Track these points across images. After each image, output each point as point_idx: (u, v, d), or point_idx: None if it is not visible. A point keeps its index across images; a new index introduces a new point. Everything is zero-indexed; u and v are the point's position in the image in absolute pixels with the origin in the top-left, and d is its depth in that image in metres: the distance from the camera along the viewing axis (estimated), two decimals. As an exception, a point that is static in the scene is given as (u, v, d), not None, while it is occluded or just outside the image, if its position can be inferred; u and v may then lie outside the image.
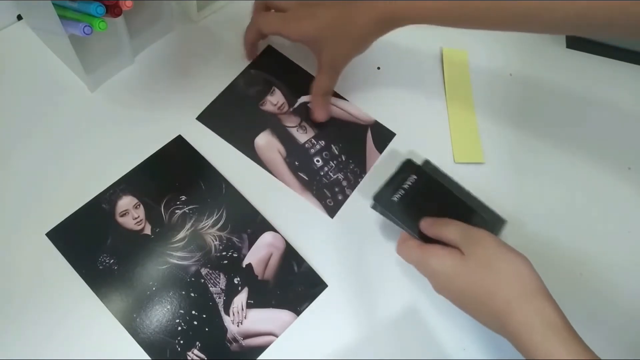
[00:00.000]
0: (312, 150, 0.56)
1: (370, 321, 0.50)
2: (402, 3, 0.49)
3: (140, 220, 0.50)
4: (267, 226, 0.52)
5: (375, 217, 0.53)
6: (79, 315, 0.47)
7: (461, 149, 0.59)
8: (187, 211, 0.51)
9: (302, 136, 0.57)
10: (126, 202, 0.51)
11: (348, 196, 0.55)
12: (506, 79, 0.64)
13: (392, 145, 0.58)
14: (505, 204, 0.56)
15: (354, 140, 0.58)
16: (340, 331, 0.49)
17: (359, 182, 0.55)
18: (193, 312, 0.48)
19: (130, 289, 0.48)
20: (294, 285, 0.50)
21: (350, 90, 0.60)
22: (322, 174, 0.55)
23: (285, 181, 0.55)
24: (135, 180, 0.52)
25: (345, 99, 0.60)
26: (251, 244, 0.51)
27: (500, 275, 0.42)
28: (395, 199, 0.50)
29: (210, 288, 0.49)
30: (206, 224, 0.51)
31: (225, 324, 0.48)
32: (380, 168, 0.56)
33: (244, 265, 0.50)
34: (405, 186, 0.50)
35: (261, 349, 0.47)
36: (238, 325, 0.48)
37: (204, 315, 0.48)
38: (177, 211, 0.51)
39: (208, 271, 0.49)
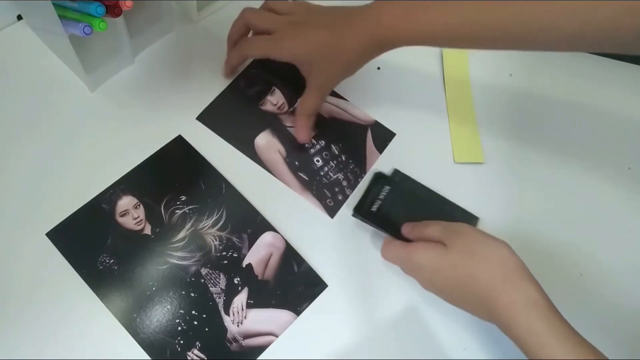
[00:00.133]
0: (312, 150, 0.56)
1: (370, 321, 0.50)
2: (393, 26, 0.47)
3: (140, 220, 0.50)
4: (267, 226, 0.52)
5: (375, 217, 0.53)
6: (79, 315, 0.47)
7: (461, 149, 0.59)
8: (187, 211, 0.51)
9: None
10: (126, 202, 0.51)
11: (348, 196, 0.55)
12: (506, 79, 0.64)
13: (391, 145, 0.58)
14: (505, 204, 0.56)
15: (354, 140, 0.58)
16: (340, 331, 0.49)
17: (359, 182, 0.55)
18: (193, 312, 0.48)
19: (130, 289, 0.48)
20: (294, 285, 0.50)
21: (350, 90, 0.60)
22: (322, 174, 0.55)
23: (285, 181, 0.55)
24: (135, 180, 0.52)
25: (345, 99, 0.60)
26: (251, 244, 0.51)
27: (482, 259, 0.43)
28: (374, 209, 0.52)
29: (210, 288, 0.49)
30: (206, 224, 0.51)
31: (225, 324, 0.48)
32: (380, 168, 0.56)
33: (244, 265, 0.50)
34: (381, 197, 0.52)
35: (261, 349, 0.47)
36: (238, 325, 0.48)
37: (204, 315, 0.48)
38: (177, 211, 0.51)
39: (208, 271, 0.49)
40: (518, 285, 0.41)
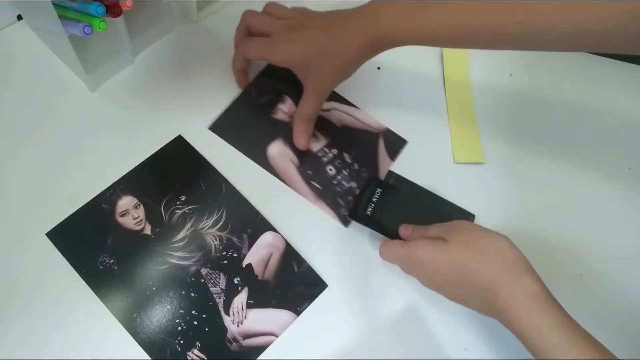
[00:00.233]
0: (325, 159, 0.56)
1: (370, 321, 0.50)
2: (392, 26, 0.47)
3: (140, 220, 0.50)
4: (267, 226, 0.52)
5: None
6: (79, 315, 0.47)
7: (461, 149, 0.59)
8: (187, 211, 0.51)
9: (315, 144, 0.56)
10: (126, 202, 0.51)
11: None
12: (506, 79, 0.64)
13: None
14: (505, 204, 0.56)
15: (366, 148, 0.57)
16: (340, 331, 0.49)
17: None
18: (193, 312, 0.48)
19: (130, 289, 0.48)
20: (294, 285, 0.50)
21: (350, 91, 0.60)
22: (335, 182, 0.55)
23: (298, 190, 0.54)
24: (135, 180, 0.52)
25: (356, 107, 0.59)
26: (251, 244, 0.51)
27: (482, 253, 0.43)
28: (368, 212, 0.51)
29: (210, 288, 0.49)
30: (206, 224, 0.51)
31: (225, 324, 0.48)
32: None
33: (244, 265, 0.50)
34: (374, 199, 0.52)
35: (261, 349, 0.47)
36: (238, 325, 0.48)
37: (204, 315, 0.48)
38: (177, 211, 0.51)
39: (208, 271, 0.49)
40: (518, 277, 0.41)
